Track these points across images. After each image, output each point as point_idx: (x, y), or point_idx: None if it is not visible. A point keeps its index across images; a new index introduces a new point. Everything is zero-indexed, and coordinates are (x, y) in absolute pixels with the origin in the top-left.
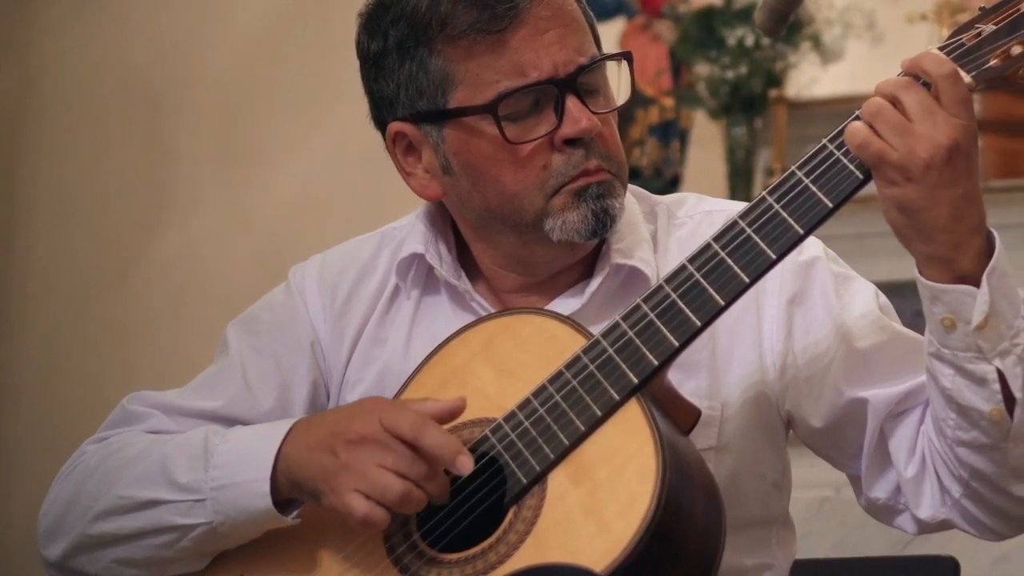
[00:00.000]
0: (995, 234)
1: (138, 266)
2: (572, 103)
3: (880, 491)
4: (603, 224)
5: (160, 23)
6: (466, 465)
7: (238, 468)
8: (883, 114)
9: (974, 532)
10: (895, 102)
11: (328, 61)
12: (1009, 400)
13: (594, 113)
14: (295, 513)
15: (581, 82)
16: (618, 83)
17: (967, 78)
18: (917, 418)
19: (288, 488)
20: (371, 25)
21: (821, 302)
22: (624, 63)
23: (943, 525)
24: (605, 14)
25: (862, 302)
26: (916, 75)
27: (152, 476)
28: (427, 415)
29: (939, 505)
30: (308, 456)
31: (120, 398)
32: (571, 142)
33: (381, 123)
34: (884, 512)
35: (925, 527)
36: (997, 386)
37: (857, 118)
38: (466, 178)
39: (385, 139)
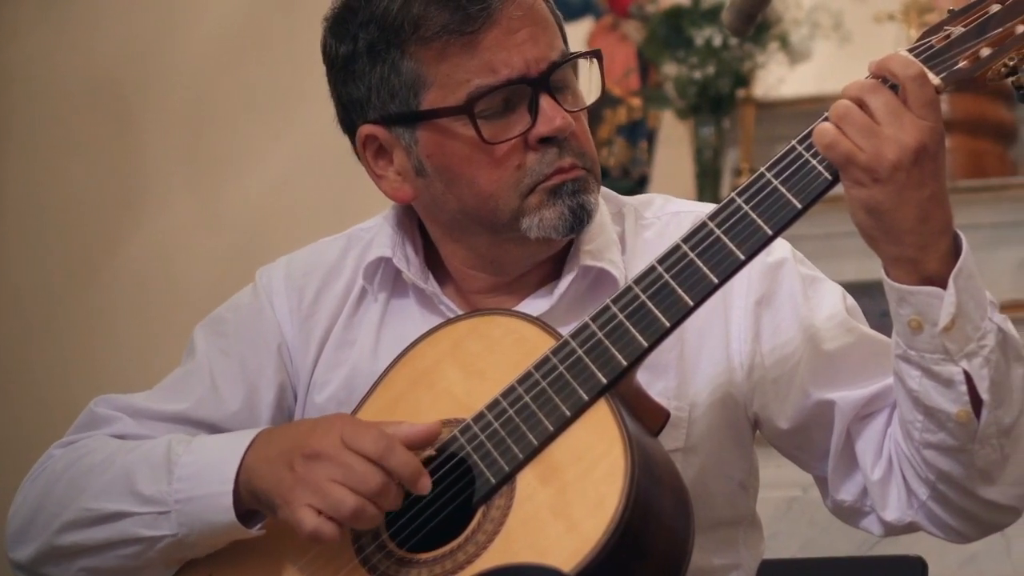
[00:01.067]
0: (962, 236)
1: (106, 267)
2: (546, 102)
3: (846, 493)
4: (580, 220)
5: (128, 25)
6: (426, 486)
7: (201, 481)
8: (851, 116)
9: (940, 534)
10: (862, 104)
11: (296, 63)
12: (976, 402)
13: (567, 111)
14: (259, 525)
15: (553, 80)
16: (588, 81)
17: (936, 80)
18: (884, 420)
19: (249, 500)
20: (338, 29)
21: (788, 303)
22: (594, 61)
23: (909, 528)
24: (572, 14)
25: (829, 304)
26: (884, 77)
27: (117, 487)
28: (392, 435)
29: (905, 507)
30: (267, 469)
31: (88, 399)
32: (545, 141)
33: (350, 127)
34: (850, 514)
35: (891, 529)
36: (964, 388)
37: (826, 119)
38: (440, 180)
39: (354, 143)
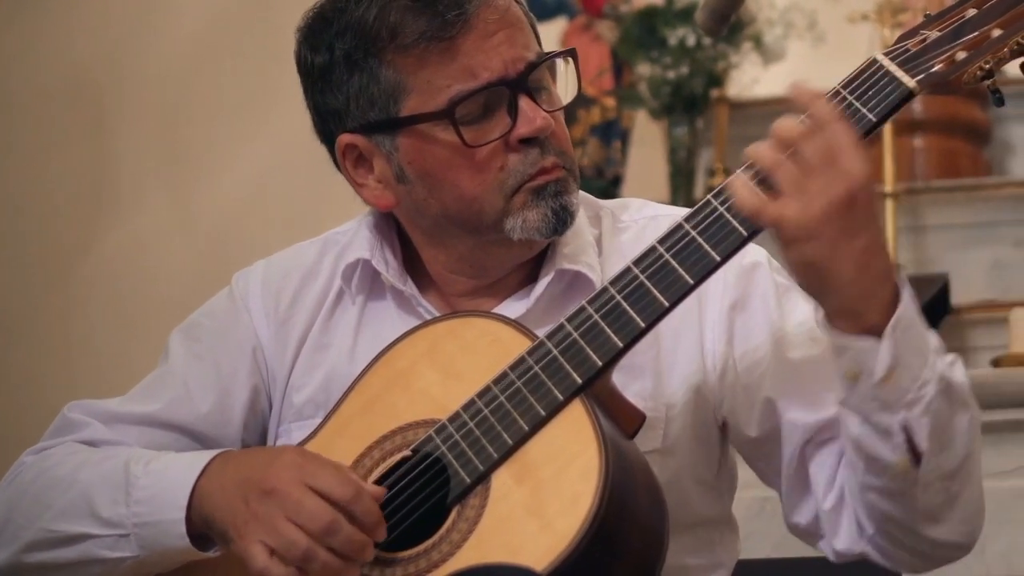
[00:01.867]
0: (904, 283)
1: (81, 266)
2: (525, 103)
3: (800, 516)
4: (563, 221)
5: (104, 25)
6: (382, 534)
7: (156, 505)
8: (781, 168)
9: (891, 567)
10: (791, 151)
11: (272, 63)
12: (916, 449)
13: (546, 111)
14: (216, 548)
15: (531, 80)
16: (564, 81)
17: (911, 83)
18: (839, 449)
19: (202, 525)
20: (313, 39)
21: (761, 309)
22: (570, 60)
23: (861, 556)
24: (546, 14)
25: (800, 312)
26: (812, 120)
27: (78, 509)
28: (356, 480)
29: (856, 538)
30: (221, 497)
31: (62, 400)
32: (526, 141)
33: (328, 136)
34: (806, 536)
35: (843, 558)
36: (902, 438)
37: (750, 168)
38: (422, 185)
39: (333, 152)
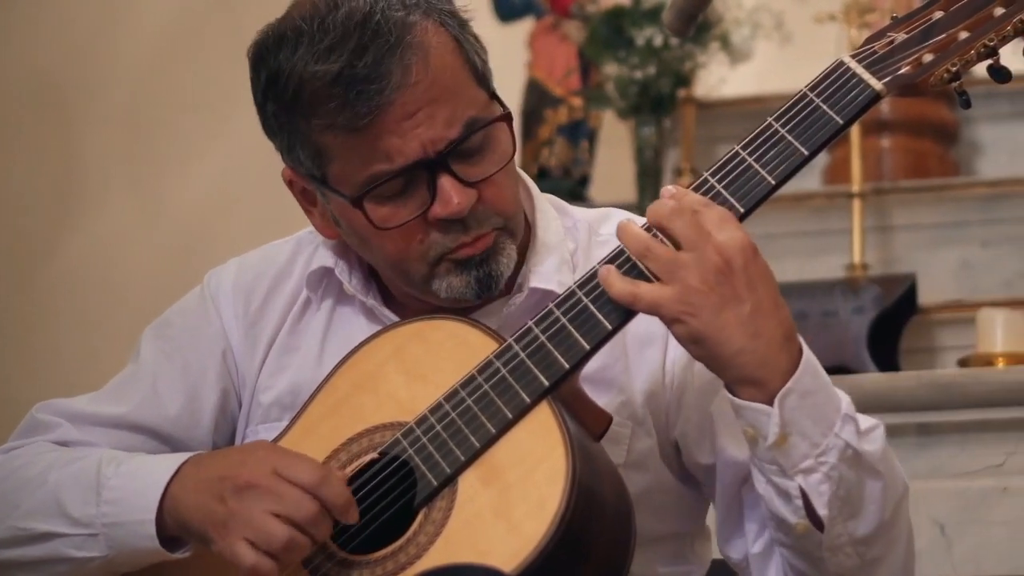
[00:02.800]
0: (805, 351)
1: (46, 267)
2: (445, 181)
3: (732, 552)
4: (488, 287)
5: (68, 25)
6: (355, 516)
7: (126, 507)
8: (652, 253)
9: None
10: (664, 230)
11: (236, 63)
12: (816, 515)
13: (470, 184)
14: (185, 548)
15: (461, 148)
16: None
17: (878, 85)
18: None
19: (175, 528)
20: (254, 73)
21: None
22: (503, 124)
23: None
24: (513, 14)
25: None
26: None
27: (47, 508)
28: (326, 466)
29: None
30: (195, 499)
31: (28, 400)
32: (446, 219)
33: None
34: (739, 571)
35: None
36: (800, 502)
37: (621, 253)
38: (354, 236)
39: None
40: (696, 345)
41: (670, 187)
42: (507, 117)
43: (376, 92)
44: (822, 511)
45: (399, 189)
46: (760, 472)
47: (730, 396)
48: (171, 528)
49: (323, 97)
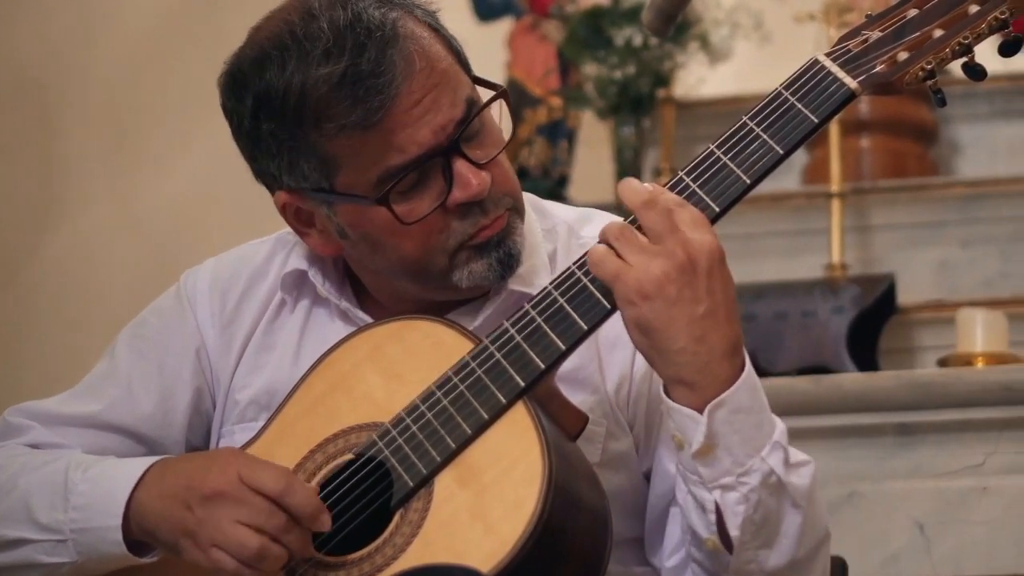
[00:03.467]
0: (747, 367)
1: (27, 268)
2: (460, 165)
3: (655, 560)
4: (509, 267)
5: (49, 25)
6: (326, 523)
7: (93, 512)
8: (624, 235)
9: None
10: (636, 217)
11: (217, 64)
12: (726, 535)
13: (481, 166)
14: (153, 553)
15: (464, 134)
16: (500, 109)
17: (853, 84)
18: None
19: (141, 534)
20: (236, 100)
21: None
22: (500, 101)
23: None
24: (492, 14)
25: None
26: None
27: (16, 514)
28: (292, 473)
29: None
30: (161, 507)
31: (7, 403)
32: (465, 204)
33: (265, 184)
34: None
35: None
36: (714, 517)
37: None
38: (365, 244)
39: (274, 200)
40: (641, 333)
41: (647, 185)
42: (504, 93)
43: (385, 85)
44: (733, 532)
45: (413, 183)
46: (683, 479)
47: (663, 396)
48: (138, 534)
49: (331, 100)
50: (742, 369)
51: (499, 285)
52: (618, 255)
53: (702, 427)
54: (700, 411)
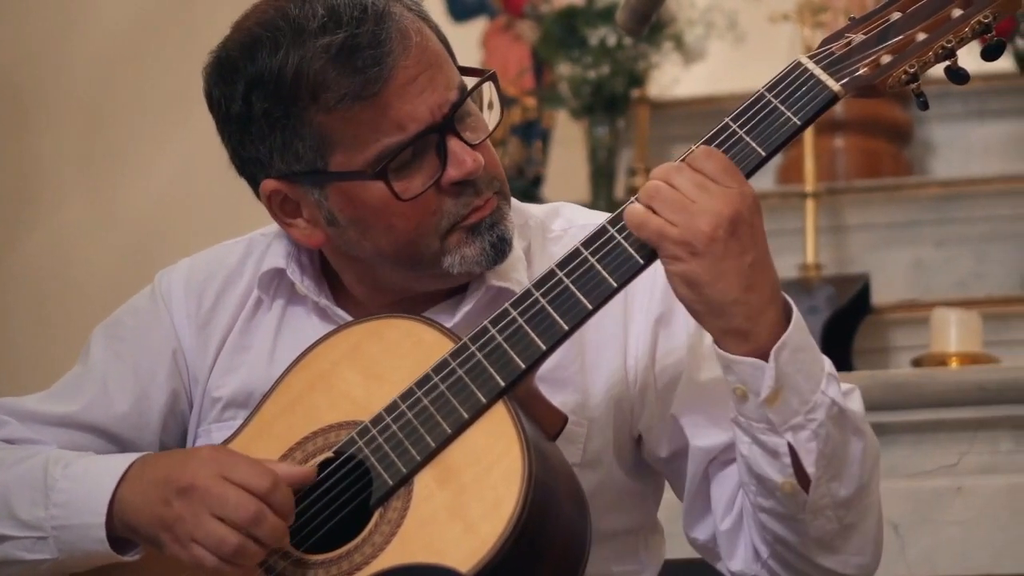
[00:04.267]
0: (794, 307)
1: (2, 267)
2: (454, 144)
3: (700, 533)
4: (501, 251)
5: (23, 24)
6: (290, 520)
7: (75, 510)
8: (661, 193)
9: None
10: (670, 184)
11: (192, 63)
12: (802, 474)
13: (474, 146)
14: (136, 551)
15: (456, 115)
16: (487, 95)
17: (836, 86)
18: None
19: (124, 530)
20: (225, 86)
21: (683, 325)
22: (490, 83)
23: None
24: (466, 14)
25: None
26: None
27: None
28: (274, 471)
29: (751, 562)
30: (142, 502)
31: None
32: (459, 183)
33: (250, 178)
34: (704, 552)
35: None
36: (788, 460)
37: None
38: (354, 229)
39: (256, 192)
40: (690, 288)
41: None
42: (493, 76)
43: (383, 56)
44: (810, 468)
45: (407, 161)
46: (745, 431)
47: (718, 351)
48: (120, 530)
49: (328, 72)
50: (787, 309)
51: (478, 280)
52: (656, 213)
53: (770, 372)
54: (759, 358)
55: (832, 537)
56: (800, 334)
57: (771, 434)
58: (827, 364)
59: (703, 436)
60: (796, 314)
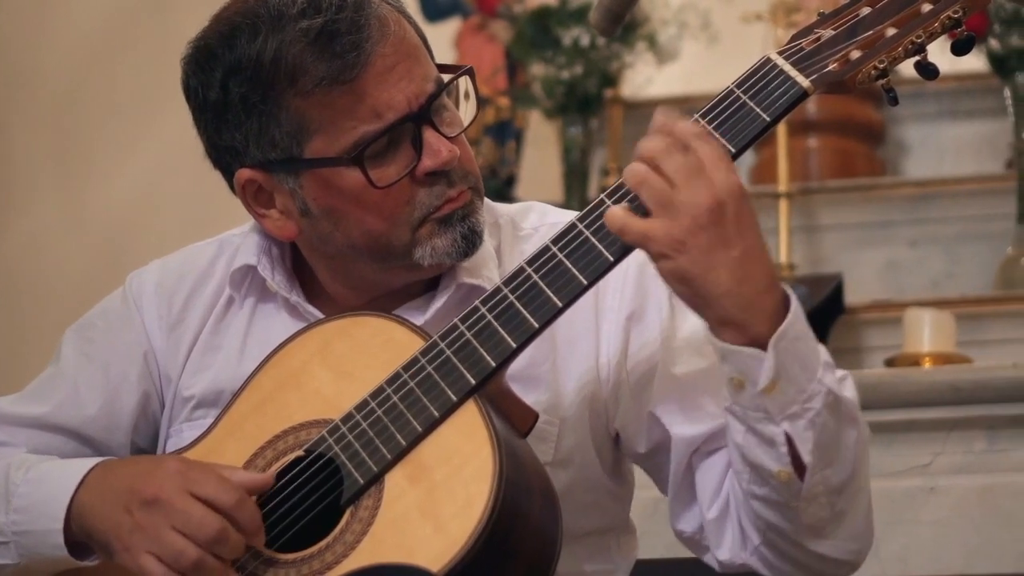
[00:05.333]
0: (792, 296)
1: None
2: (430, 135)
3: (686, 525)
4: (472, 244)
5: None
6: (262, 541)
7: (34, 515)
8: (647, 184)
9: None
10: (656, 168)
11: (164, 63)
12: (800, 462)
13: (450, 139)
14: (95, 556)
15: (433, 106)
16: (462, 90)
17: (806, 82)
18: (726, 459)
19: (82, 536)
20: (203, 74)
21: (656, 320)
22: (467, 78)
23: (744, 567)
24: (440, 14)
25: (691, 325)
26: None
27: None
28: (239, 486)
29: (739, 549)
30: (101, 508)
31: None
32: (433, 173)
33: (224, 168)
34: (691, 544)
35: (726, 568)
36: (785, 449)
37: (619, 188)
38: (327, 220)
39: (229, 180)
40: (681, 283)
41: (659, 117)
42: (471, 71)
43: (362, 41)
44: (807, 458)
45: (382, 149)
46: (740, 420)
47: (715, 341)
48: (78, 535)
49: (307, 56)
50: (785, 298)
51: (448, 278)
52: (642, 204)
53: (769, 362)
54: (755, 347)
55: (824, 523)
56: (799, 323)
57: (768, 423)
58: (823, 352)
59: (685, 427)
60: (795, 303)
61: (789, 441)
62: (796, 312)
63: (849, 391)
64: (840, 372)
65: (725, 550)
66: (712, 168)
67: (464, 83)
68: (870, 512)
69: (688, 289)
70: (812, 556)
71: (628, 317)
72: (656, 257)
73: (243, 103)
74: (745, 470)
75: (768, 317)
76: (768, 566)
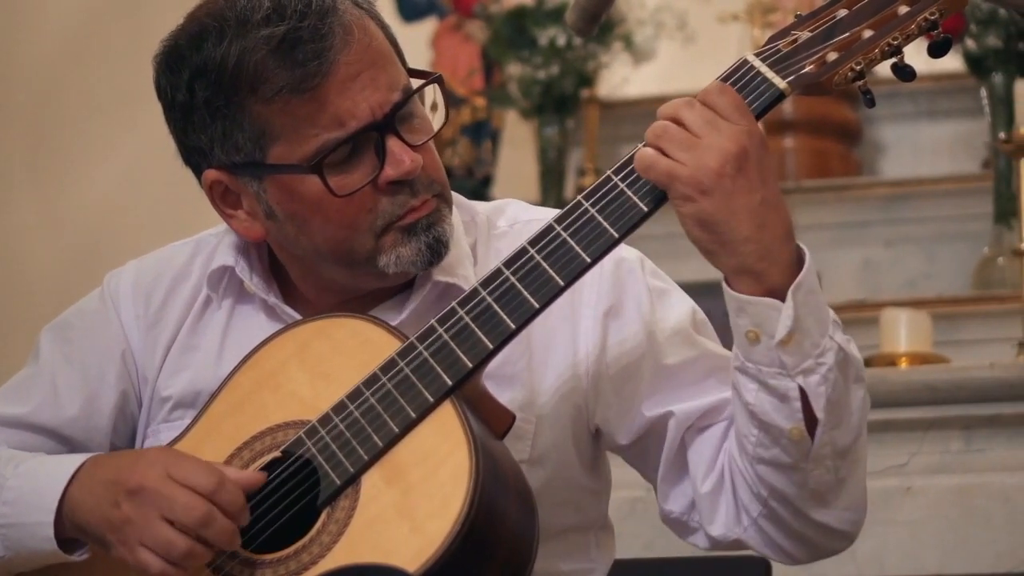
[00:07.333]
0: (806, 249)
1: None
2: (393, 143)
3: (674, 504)
4: (437, 253)
5: None
6: (245, 519)
7: (24, 508)
8: (668, 133)
9: (770, 555)
10: (678, 121)
11: (139, 63)
12: (811, 420)
13: (414, 147)
14: (83, 551)
15: (398, 115)
16: (431, 98)
17: (782, 84)
18: (719, 434)
19: (73, 530)
20: (171, 75)
21: (636, 315)
22: (435, 86)
23: (736, 544)
24: (416, 14)
25: (676, 317)
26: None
27: None
28: (221, 470)
29: (733, 524)
30: (92, 502)
31: None
32: (396, 182)
33: (194, 167)
34: (677, 527)
35: (717, 545)
36: (798, 404)
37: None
38: (291, 224)
39: (200, 182)
40: (702, 228)
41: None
42: (440, 79)
43: (324, 50)
44: (820, 414)
45: (345, 157)
46: (752, 378)
47: (731, 292)
48: (70, 530)
49: (270, 64)
50: (800, 251)
51: (424, 277)
52: (665, 155)
53: (788, 312)
54: (767, 296)
55: (828, 489)
56: (812, 277)
57: (782, 378)
58: (830, 311)
59: (684, 404)
60: (809, 257)
61: (803, 396)
62: (811, 265)
63: (856, 351)
64: (845, 334)
65: (718, 525)
66: (736, 116)
67: (433, 92)
68: (865, 483)
69: (709, 234)
70: (812, 526)
71: (606, 313)
72: (679, 199)
73: (207, 106)
74: (753, 432)
75: (786, 267)
76: (764, 540)
